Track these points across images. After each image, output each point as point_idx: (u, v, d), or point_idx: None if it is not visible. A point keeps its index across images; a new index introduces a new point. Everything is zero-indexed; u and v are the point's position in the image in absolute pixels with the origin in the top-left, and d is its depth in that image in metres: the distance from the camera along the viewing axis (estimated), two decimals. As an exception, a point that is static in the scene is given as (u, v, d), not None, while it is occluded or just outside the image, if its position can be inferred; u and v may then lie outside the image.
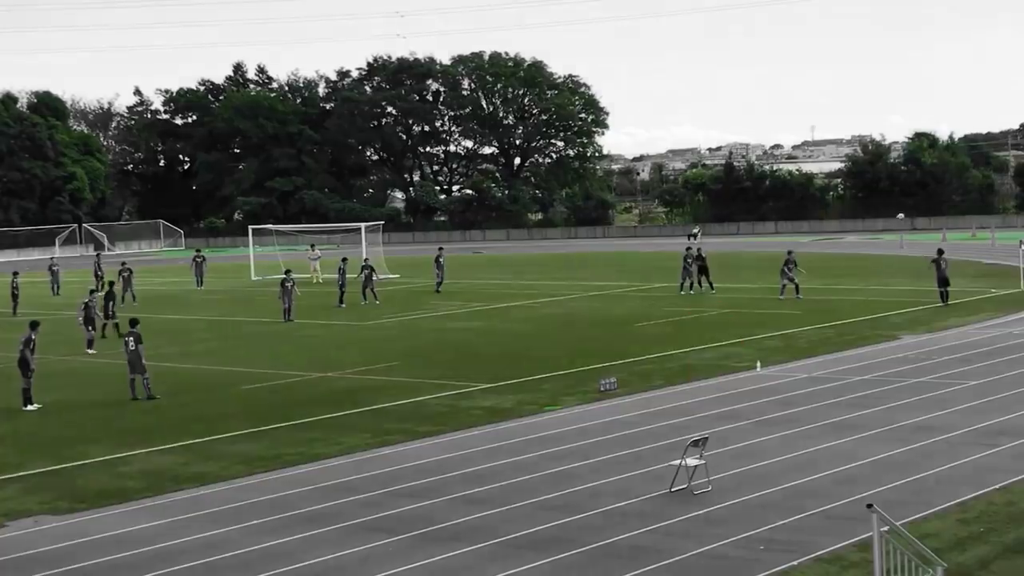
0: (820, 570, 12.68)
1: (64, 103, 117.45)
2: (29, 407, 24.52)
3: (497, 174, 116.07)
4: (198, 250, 58.60)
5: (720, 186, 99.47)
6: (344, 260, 45.16)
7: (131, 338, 25.43)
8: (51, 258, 67.06)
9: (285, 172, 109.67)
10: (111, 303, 37.24)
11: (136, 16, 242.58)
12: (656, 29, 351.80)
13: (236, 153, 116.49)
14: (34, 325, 25.55)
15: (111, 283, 40.17)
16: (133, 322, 26.39)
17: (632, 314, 37.52)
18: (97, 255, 55.23)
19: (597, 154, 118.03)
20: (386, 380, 26.39)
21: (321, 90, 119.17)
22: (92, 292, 36.36)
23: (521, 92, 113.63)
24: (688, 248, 45.22)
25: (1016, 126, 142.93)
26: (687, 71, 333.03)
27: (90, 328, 33.76)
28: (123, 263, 50.13)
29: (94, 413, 24.22)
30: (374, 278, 45.36)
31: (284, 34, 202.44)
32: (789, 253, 41.26)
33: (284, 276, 40.27)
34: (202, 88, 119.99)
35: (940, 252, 37.82)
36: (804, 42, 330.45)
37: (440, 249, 52.30)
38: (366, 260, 47.75)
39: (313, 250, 56.73)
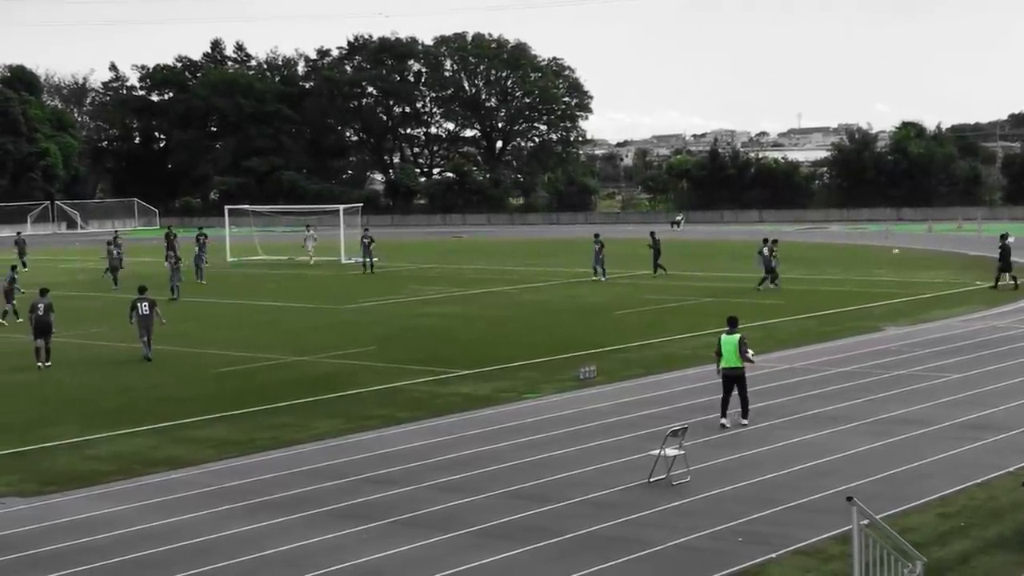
0: (799, 563, 12.54)
1: (38, 77, 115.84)
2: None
3: (479, 157, 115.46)
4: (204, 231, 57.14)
5: (704, 173, 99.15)
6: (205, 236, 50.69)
7: (144, 303, 27.12)
8: (114, 232, 64.80)
9: (262, 152, 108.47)
10: (12, 284, 35.26)
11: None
12: (642, 13, 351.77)
13: (213, 132, 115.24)
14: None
15: (14, 267, 36.95)
16: (142, 288, 27.96)
17: (612, 302, 37.33)
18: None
19: (580, 139, 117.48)
20: (362, 365, 26.10)
21: (300, 69, 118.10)
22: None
23: (504, 74, 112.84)
24: (596, 235, 45.91)
25: (1004, 117, 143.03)
26: (673, 56, 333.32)
27: None
28: (200, 229, 52.42)
29: (64, 394, 23.89)
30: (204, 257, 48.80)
31: (263, 11, 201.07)
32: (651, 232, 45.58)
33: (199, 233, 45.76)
34: (179, 65, 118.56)
35: None
36: (791, 29, 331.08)
37: (366, 230, 52.95)
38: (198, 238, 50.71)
39: (309, 230, 57.38)
